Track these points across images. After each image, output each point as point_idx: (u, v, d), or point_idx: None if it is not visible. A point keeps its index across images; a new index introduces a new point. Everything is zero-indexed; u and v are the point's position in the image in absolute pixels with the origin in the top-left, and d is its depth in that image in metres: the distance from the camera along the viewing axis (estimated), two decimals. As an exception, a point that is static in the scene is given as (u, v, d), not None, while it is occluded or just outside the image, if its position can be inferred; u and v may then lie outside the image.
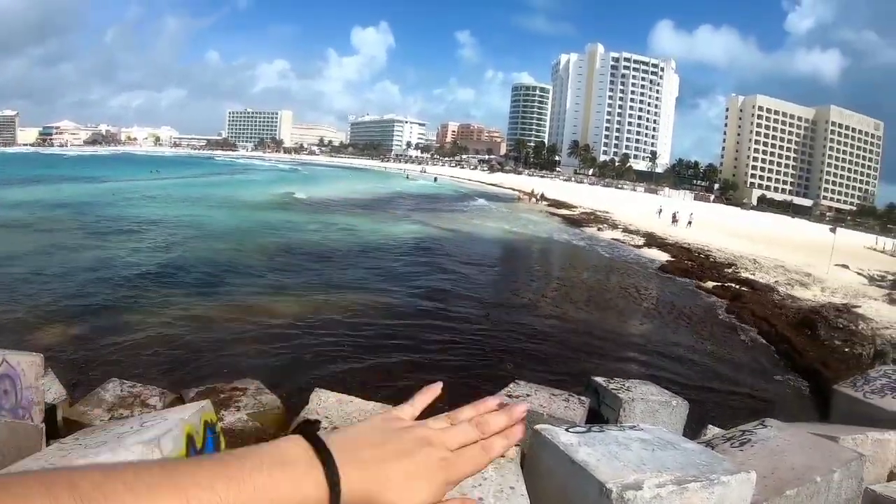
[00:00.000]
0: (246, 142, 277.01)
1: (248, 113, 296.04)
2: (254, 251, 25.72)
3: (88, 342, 13.31)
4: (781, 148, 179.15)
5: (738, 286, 25.67)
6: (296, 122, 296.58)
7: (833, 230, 43.16)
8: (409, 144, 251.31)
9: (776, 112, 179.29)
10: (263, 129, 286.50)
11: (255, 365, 11.88)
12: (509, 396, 8.13)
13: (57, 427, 7.68)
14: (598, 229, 48.97)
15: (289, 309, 16.89)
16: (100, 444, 3.99)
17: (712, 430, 7.52)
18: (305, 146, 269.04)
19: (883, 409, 6.35)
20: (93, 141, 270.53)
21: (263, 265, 22.96)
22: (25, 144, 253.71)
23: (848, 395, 6.80)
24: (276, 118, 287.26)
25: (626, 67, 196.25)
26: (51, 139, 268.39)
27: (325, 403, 7.96)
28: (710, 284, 25.99)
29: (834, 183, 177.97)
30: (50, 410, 7.42)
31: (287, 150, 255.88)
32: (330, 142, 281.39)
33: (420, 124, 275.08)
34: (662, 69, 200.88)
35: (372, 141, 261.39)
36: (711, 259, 34.75)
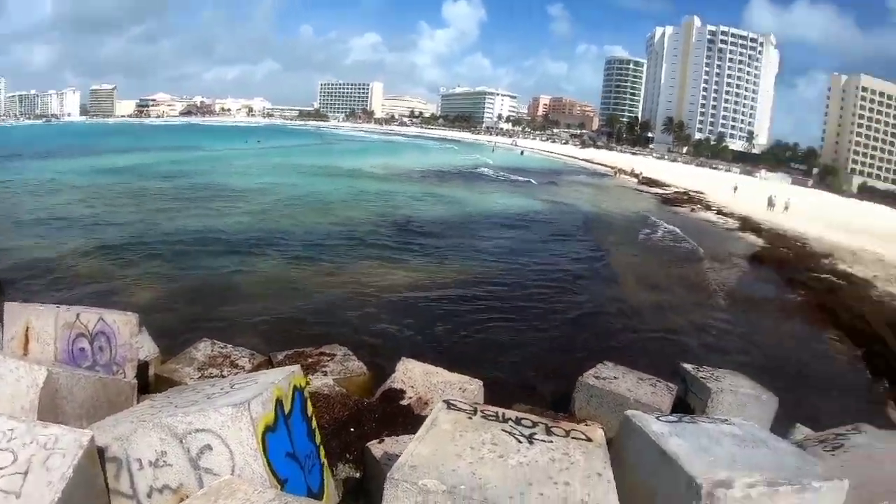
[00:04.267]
0: (337, 112, 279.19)
1: (340, 85, 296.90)
2: (352, 220, 26.33)
3: (184, 303, 13.96)
4: (886, 133, 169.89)
5: (834, 278, 24.93)
6: (386, 94, 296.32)
7: (941, 223, 41.29)
8: (499, 117, 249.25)
9: (881, 94, 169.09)
10: (354, 101, 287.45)
11: (345, 332, 12.09)
12: (597, 377, 8.36)
13: (148, 383, 8.03)
14: (692, 210, 48.28)
15: (384, 278, 17.26)
16: (190, 403, 4.10)
17: (802, 430, 7.38)
18: (396, 117, 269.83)
19: None
20: (187, 112, 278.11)
21: (361, 234, 23.44)
22: (123, 116, 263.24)
23: (951, 406, 6.62)
24: (367, 90, 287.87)
25: (723, 41, 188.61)
26: (147, 111, 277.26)
27: (410, 373, 8.24)
28: (804, 275, 25.33)
29: None
30: (143, 367, 7.77)
31: (378, 121, 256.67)
32: (421, 113, 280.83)
33: (511, 97, 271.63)
34: (762, 44, 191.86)
35: (463, 113, 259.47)
36: (808, 248, 33.80)
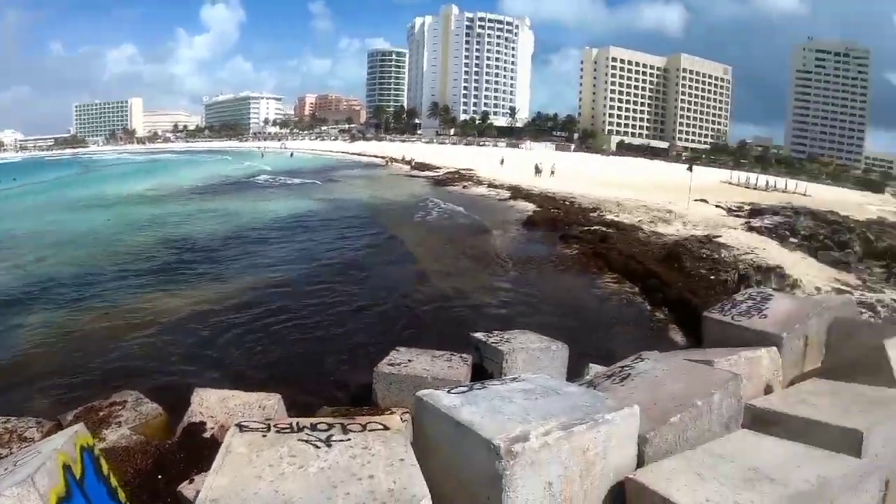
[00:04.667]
0: (97, 136, 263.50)
1: (97, 105, 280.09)
2: (127, 251, 24.58)
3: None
4: (636, 95, 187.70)
5: (604, 228, 26.32)
6: (147, 110, 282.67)
7: (690, 168, 45.02)
8: (266, 121, 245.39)
9: (629, 62, 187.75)
10: (114, 121, 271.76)
11: (134, 374, 11.38)
12: (391, 364, 8.27)
13: None
14: (464, 187, 49.77)
15: (166, 308, 16.31)
16: None
17: (594, 369, 7.71)
18: (160, 133, 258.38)
19: (751, 330, 6.53)
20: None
21: (138, 265, 22.00)
22: None
23: (717, 320, 7.00)
24: (127, 107, 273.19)
25: (480, 27, 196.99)
26: None
27: (207, 402, 7.86)
28: (576, 230, 26.49)
29: (688, 125, 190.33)
30: None
31: (140, 140, 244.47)
32: (185, 126, 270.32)
33: (276, 99, 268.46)
34: (517, 27, 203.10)
35: (228, 121, 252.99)
36: (576, 205, 35.62)
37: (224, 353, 12.69)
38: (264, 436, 3.91)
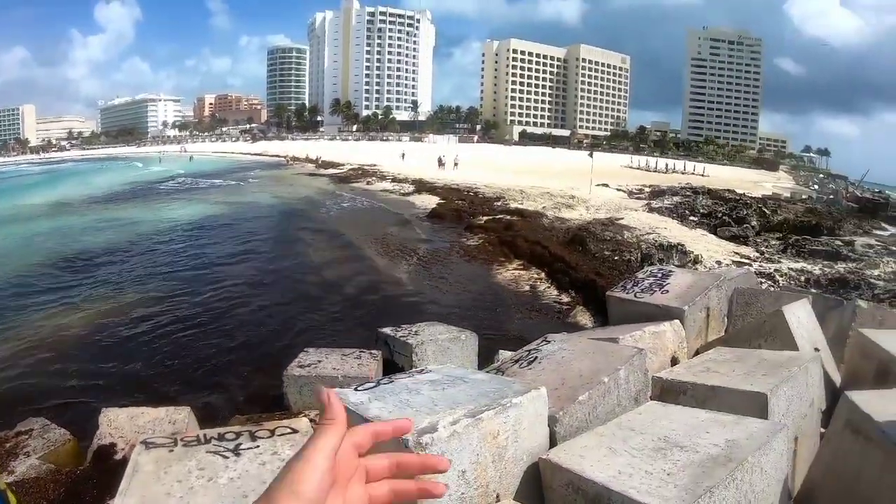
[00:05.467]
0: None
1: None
2: (21, 269, 23.44)
3: None
4: (537, 86, 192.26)
5: (508, 217, 26.54)
6: (40, 116, 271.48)
7: (591, 154, 46.27)
8: (165, 124, 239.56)
9: (529, 53, 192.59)
10: (5, 130, 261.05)
11: (37, 399, 10.97)
12: (301, 367, 8.21)
13: None
14: (368, 183, 49.53)
15: (64, 326, 15.69)
16: None
17: (503, 355, 7.75)
18: (54, 142, 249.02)
19: (654, 305, 6.71)
20: None
21: (30, 282, 20.99)
22: None
23: (620, 298, 7.17)
24: (17, 115, 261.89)
25: (382, 21, 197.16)
26: None
27: (115, 422, 7.70)
28: (481, 219, 26.63)
29: (589, 113, 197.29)
30: None
31: (34, 150, 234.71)
32: (80, 133, 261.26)
33: (175, 101, 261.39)
34: (418, 20, 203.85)
35: (126, 126, 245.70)
36: (480, 196, 35.89)
37: (130, 368, 12.36)
38: (171, 451, 3.88)
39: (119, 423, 7.67)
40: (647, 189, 43.46)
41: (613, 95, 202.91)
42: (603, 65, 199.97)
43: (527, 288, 16.67)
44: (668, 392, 5.02)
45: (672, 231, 24.51)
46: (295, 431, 4.06)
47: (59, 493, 6.44)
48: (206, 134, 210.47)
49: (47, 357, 13.44)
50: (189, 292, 18.04)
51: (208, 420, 8.01)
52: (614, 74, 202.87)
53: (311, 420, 5.08)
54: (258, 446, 3.85)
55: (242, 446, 3.85)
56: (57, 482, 6.65)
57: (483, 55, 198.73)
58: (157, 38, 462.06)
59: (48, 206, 49.36)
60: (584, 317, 14.02)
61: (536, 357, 5.19)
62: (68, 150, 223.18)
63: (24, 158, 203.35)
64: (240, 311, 15.93)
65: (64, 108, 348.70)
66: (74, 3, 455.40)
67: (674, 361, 6.01)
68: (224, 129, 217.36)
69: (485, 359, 8.54)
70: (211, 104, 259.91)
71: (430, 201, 34.66)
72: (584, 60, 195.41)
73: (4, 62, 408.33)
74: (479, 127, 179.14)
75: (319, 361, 8.38)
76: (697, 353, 6.37)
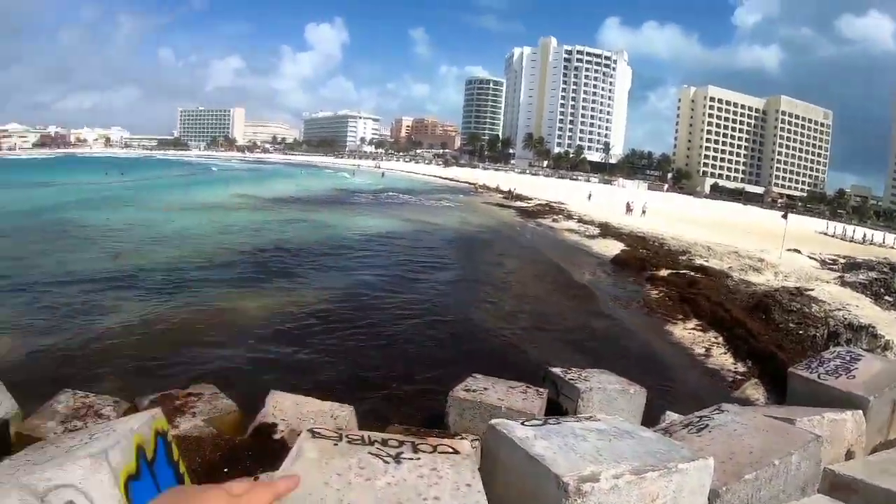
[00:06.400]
0: (198, 141, 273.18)
1: (200, 111, 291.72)
2: (218, 253, 25.20)
3: (41, 352, 12.95)
4: (733, 137, 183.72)
5: (692, 273, 25.80)
6: (248, 120, 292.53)
7: (785, 216, 44.02)
8: (363, 140, 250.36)
9: (727, 102, 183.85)
10: (216, 128, 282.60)
11: (213, 368, 11.66)
12: (467, 391, 8.28)
13: (10, 443, 7.47)
14: (554, 220, 49.29)
15: (249, 310, 16.65)
16: (48, 459, 3.85)
17: (670, 417, 7.49)
18: (258, 144, 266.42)
19: (837, 390, 6.36)
20: (42, 143, 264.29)
21: (226, 267, 22.56)
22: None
23: (803, 377, 6.84)
24: (229, 116, 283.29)
25: (578, 60, 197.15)
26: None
27: (281, 405, 8.01)
28: (664, 272, 26.06)
29: (784, 170, 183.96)
30: (2, 426, 7.34)
31: (240, 149, 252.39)
32: (283, 139, 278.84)
33: (374, 119, 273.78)
34: (615, 61, 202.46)
35: (326, 137, 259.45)
36: (666, 247, 35.03)
37: (301, 359, 12.91)
38: (335, 444, 3.95)
39: (284, 407, 8.00)
40: (842, 260, 40.99)
41: (813, 153, 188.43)
42: (803, 119, 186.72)
43: (701, 350, 15.95)
44: (837, 488, 4.76)
45: (864, 310, 22.91)
46: (456, 452, 3.98)
47: (215, 455, 6.76)
48: (400, 154, 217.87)
49: (226, 333, 14.38)
50: (366, 299, 18.56)
51: (366, 422, 8.15)
52: (815, 130, 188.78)
53: (472, 444, 4.93)
54: (419, 458, 3.82)
55: (404, 455, 3.85)
56: (215, 446, 6.99)
57: (679, 101, 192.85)
58: (361, 60, 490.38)
59: (248, 200, 52.81)
60: (757, 390, 13.31)
61: (707, 425, 5.09)
62: (271, 152, 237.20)
63: (230, 155, 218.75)
64: (412, 322, 16.23)
65: (270, 115, 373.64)
66: (287, 22, 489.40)
67: (849, 455, 5.69)
68: (418, 150, 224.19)
69: (649, 416, 8.27)
70: (408, 126, 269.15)
71: (614, 247, 34.05)
72: (783, 113, 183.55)
73: (221, 69, 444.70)
74: (669, 175, 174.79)
75: (486, 389, 8.44)
76: (875, 449, 5.98)
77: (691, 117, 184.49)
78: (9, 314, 15.73)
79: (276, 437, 7.42)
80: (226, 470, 6.39)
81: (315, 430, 4.18)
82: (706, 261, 30.21)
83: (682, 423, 5.39)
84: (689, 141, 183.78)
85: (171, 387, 9.26)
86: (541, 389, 8.56)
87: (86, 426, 7.64)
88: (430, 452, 3.92)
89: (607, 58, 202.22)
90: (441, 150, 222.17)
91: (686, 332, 17.62)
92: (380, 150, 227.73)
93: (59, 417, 8.10)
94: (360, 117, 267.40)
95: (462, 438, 5.93)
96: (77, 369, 11.71)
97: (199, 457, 6.62)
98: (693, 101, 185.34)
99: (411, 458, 3.80)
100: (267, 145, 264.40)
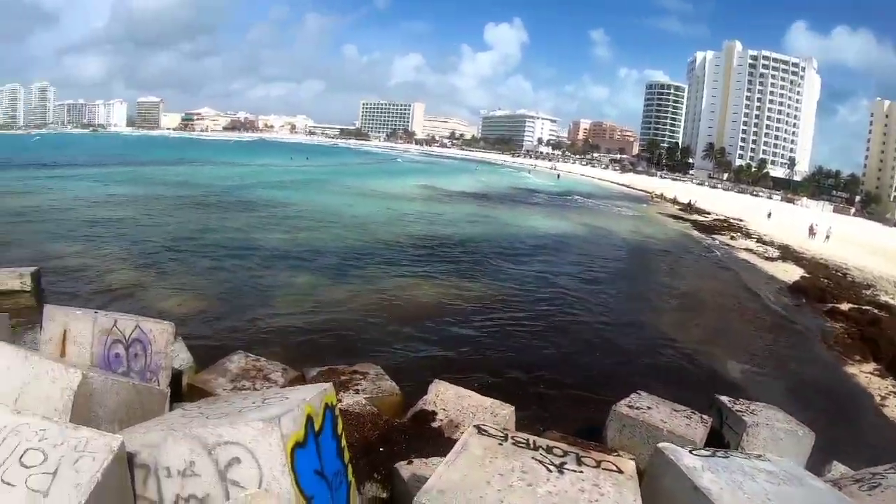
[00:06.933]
0: (378, 132, 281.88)
1: (382, 104, 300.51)
2: (392, 240, 26.33)
3: (220, 314, 14.04)
4: None
5: (875, 310, 24.32)
6: (427, 115, 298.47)
7: None
8: (539, 140, 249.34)
9: None
10: (395, 121, 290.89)
11: (378, 350, 12.13)
12: (630, 407, 8.29)
13: (181, 392, 8.08)
14: (731, 237, 47.57)
15: (419, 298, 17.22)
16: (221, 415, 4.09)
17: (839, 468, 7.32)
18: (437, 138, 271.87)
19: None
20: (231, 127, 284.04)
21: (399, 254, 23.43)
22: (168, 129, 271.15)
23: None
24: (409, 110, 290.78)
25: (764, 66, 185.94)
26: (192, 125, 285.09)
27: (443, 395, 8.25)
28: (845, 306, 24.79)
29: None
30: (177, 376, 7.84)
31: (418, 142, 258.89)
32: (461, 135, 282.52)
33: (551, 120, 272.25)
34: (803, 69, 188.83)
35: (503, 135, 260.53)
36: (849, 278, 33.20)
37: (463, 351, 13.19)
38: (500, 444, 3.99)
39: (446, 397, 8.17)
40: None
41: None
42: None
43: (877, 397, 14.82)
44: None
45: None
46: (620, 471, 3.93)
47: (373, 434, 6.95)
48: (577, 156, 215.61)
49: (393, 317, 14.93)
50: (532, 300, 18.80)
51: (521, 423, 8.19)
52: None
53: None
54: (582, 472, 3.80)
55: (567, 466, 3.84)
56: (374, 425, 7.21)
57: (871, 115, 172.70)
58: (539, 60, 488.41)
59: (431, 190, 54.43)
60: (944, 453, 12.45)
61: (881, 484, 4.79)
62: (448, 147, 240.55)
63: (408, 147, 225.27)
64: (578, 328, 16.34)
65: (449, 112, 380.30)
66: (467, 22, 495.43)
67: None
68: (595, 154, 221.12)
69: (812, 462, 7.78)
70: (585, 129, 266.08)
71: (793, 272, 32.48)
72: None
73: (403, 65, 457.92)
74: (857, 198, 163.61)
75: (649, 408, 8.39)
76: None
77: (884, 134, 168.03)
78: (194, 277, 17.18)
79: (435, 425, 7.63)
80: (381, 449, 6.59)
81: (482, 426, 4.27)
82: (892, 298, 28.45)
83: (852, 478, 5.16)
84: (882, 161, 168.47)
85: (336, 362, 9.76)
86: (705, 417, 8.45)
87: (254, 388, 8.18)
88: (594, 467, 3.93)
89: (795, 64, 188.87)
90: (618, 156, 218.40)
91: (862, 374, 16.55)
92: (556, 152, 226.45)
93: (229, 376, 8.67)
94: (538, 117, 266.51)
95: (621, 456, 5.77)
96: (249, 334, 12.59)
97: (358, 433, 6.88)
98: (888, 115, 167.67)
99: (574, 471, 3.81)
100: (445, 140, 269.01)
